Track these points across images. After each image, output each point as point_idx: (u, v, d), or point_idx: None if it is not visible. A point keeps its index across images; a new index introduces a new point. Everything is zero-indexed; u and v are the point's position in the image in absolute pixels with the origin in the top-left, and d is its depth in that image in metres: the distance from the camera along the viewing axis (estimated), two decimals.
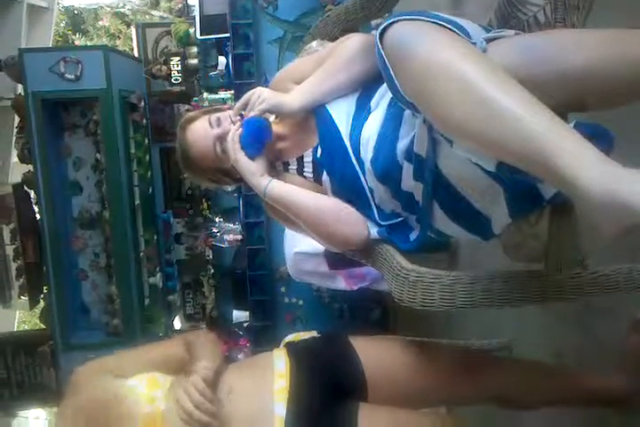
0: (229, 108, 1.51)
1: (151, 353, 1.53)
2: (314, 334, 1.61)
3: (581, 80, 1.02)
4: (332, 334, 1.65)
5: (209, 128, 1.47)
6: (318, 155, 1.42)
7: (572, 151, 0.83)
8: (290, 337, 1.60)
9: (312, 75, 1.41)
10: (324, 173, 1.42)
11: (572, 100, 1.04)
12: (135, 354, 1.53)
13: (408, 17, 1.01)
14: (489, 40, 1.12)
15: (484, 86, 0.91)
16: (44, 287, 4.67)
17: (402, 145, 1.22)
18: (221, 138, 1.45)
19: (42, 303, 4.85)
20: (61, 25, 10.60)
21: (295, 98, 1.40)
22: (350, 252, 1.46)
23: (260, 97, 1.40)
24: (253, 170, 1.41)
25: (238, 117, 1.45)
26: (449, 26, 1.01)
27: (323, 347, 1.55)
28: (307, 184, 1.45)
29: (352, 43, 1.37)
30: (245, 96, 1.45)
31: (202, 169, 1.54)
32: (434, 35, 0.98)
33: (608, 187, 0.78)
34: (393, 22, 1.01)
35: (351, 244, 1.38)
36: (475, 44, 1.07)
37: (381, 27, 1.02)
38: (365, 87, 1.37)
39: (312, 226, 1.39)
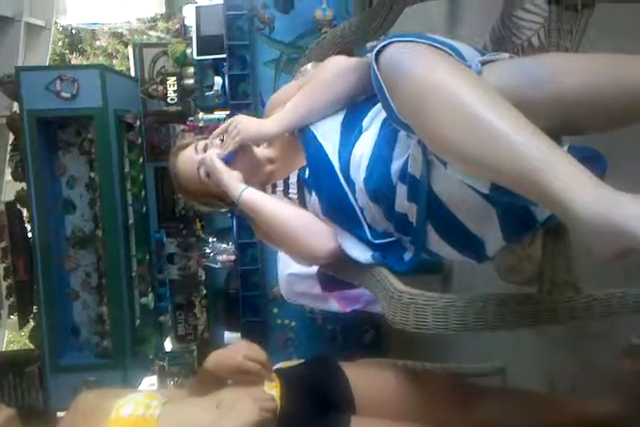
0: None
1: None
2: (301, 361, 1.62)
3: (575, 104, 1.02)
4: (321, 355, 1.65)
5: (194, 154, 1.52)
6: (306, 175, 1.43)
7: (566, 175, 0.82)
8: (278, 365, 1.59)
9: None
10: (313, 193, 1.42)
11: (565, 123, 1.05)
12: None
13: (404, 38, 1.01)
14: (484, 63, 1.12)
15: (478, 109, 0.91)
16: (34, 307, 4.62)
17: (396, 166, 1.21)
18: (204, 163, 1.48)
19: (31, 323, 4.79)
20: (59, 44, 10.65)
21: (273, 123, 1.43)
22: (326, 267, 1.46)
23: (237, 128, 1.44)
24: (233, 174, 1.44)
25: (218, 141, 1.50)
26: (444, 48, 1.02)
27: (311, 367, 1.56)
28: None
29: (331, 64, 1.39)
30: (224, 125, 1.49)
31: (193, 193, 1.58)
32: (429, 56, 0.98)
33: (601, 210, 0.78)
34: (388, 43, 1.01)
35: (315, 255, 1.39)
36: (470, 66, 1.07)
37: (377, 48, 1.03)
38: (352, 107, 1.38)
39: (278, 233, 1.42)
